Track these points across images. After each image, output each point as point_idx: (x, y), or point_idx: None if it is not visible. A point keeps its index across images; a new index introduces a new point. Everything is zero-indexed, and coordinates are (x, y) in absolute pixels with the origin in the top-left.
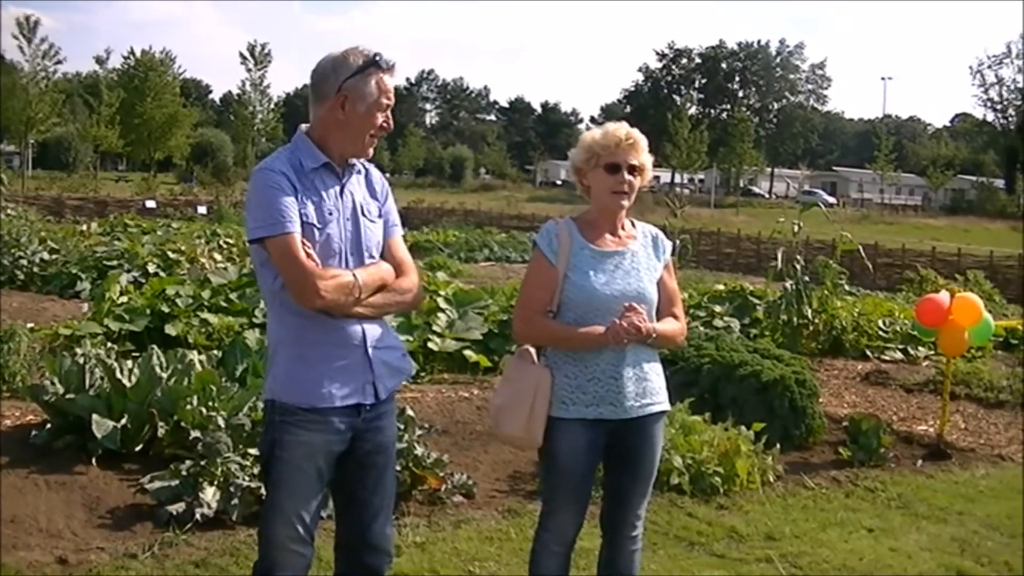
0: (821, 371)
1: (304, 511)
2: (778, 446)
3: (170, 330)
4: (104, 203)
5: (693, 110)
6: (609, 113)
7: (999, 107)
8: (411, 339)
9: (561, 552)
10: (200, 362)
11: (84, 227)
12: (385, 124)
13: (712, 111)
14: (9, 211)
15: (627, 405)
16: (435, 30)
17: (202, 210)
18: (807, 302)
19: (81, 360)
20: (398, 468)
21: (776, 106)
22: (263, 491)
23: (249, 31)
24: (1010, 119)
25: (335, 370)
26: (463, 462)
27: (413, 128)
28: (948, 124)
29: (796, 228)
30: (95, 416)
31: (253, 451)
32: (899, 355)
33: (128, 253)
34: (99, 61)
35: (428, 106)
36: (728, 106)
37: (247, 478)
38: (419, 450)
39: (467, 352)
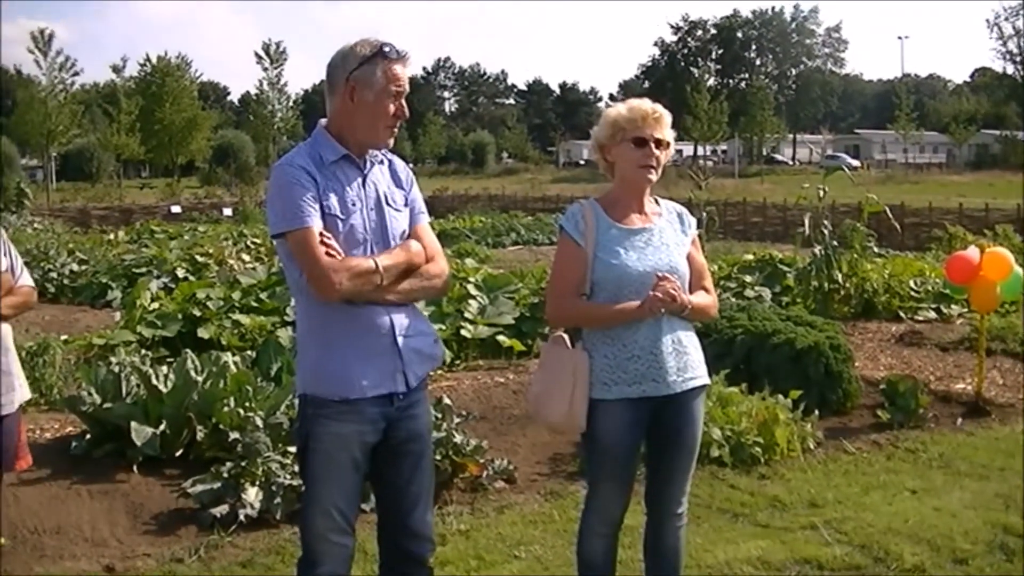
0: (855, 335)
1: (342, 502)
2: (816, 413)
3: (203, 333)
4: (129, 211)
5: (711, 81)
6: (627, 89)
7: (1018, 59)
8: (443, 327)
9: (607, 533)
10: (234, 363)
11: (111, 236)
12: (398, 112)
13: (730, 81)
14: (36, 225)
15: (669, 380)
16: (449, 17)
17: (227, 212)
18: (837, 267)
19: (116, 368)
20: (438, 457)
21: (794, 72)
22: (303, 488)
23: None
24: None
25: (364, 360)
26: (502, 447)
27: (433, 116)
28: (968, 79)
29: (821, 193)
30: (133, 423)
31: (292, 449)
32: (932, 314)
33: (156, 259)
34: (116, 70)
35: (446, 94)
36: (746, 75)
37: (288, 476)
38: (458, 438)
39: (500, 337)
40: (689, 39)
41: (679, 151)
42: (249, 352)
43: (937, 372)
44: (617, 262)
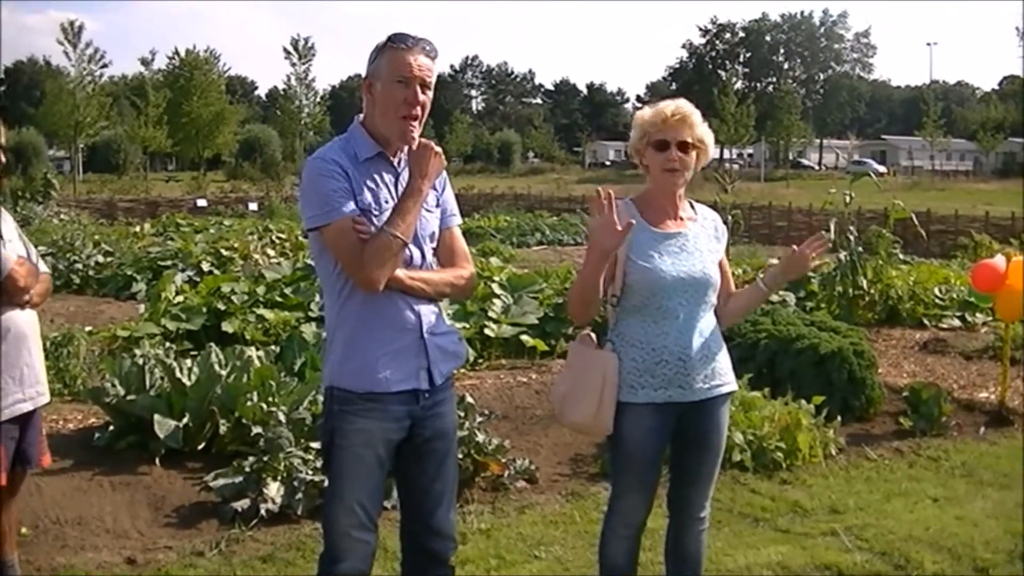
0: (879, 341)
1: (365, 499)
2: (838, 419)
3: (227, 327)
4: (155, 203)
5: (739, 84)
6: (655, 91)
7: None
8: (467, 326)
9: (629, 535)
10: (258, 358)
11: (137, 228)
12: (409, 99)
13: (758, 84)
14: (62, 216)
15: (696, 387)
16: (477, 16)
17: (253, 206)
18: (862, 272)
19: (140, 361)
20: (460, 455)
21: (822, 77)
22: (326, 484)
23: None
24: None
25: (390, 354)
26: (524, 447)
27: (460, 115)
28: (996, 87)
29: (847, 199)
30: (156, 416)
31: (315, 445)
32: (957, 322)
33: (182, 252)
34: (144, 63)
35: (474, 92)
36: (774, 79)
37: (310, 472)
38: (480, 437)
39: (524, 337)
40: (717, 41)
41: None
42: (273, 347)
43: (961, 380)
44: (651, 266)
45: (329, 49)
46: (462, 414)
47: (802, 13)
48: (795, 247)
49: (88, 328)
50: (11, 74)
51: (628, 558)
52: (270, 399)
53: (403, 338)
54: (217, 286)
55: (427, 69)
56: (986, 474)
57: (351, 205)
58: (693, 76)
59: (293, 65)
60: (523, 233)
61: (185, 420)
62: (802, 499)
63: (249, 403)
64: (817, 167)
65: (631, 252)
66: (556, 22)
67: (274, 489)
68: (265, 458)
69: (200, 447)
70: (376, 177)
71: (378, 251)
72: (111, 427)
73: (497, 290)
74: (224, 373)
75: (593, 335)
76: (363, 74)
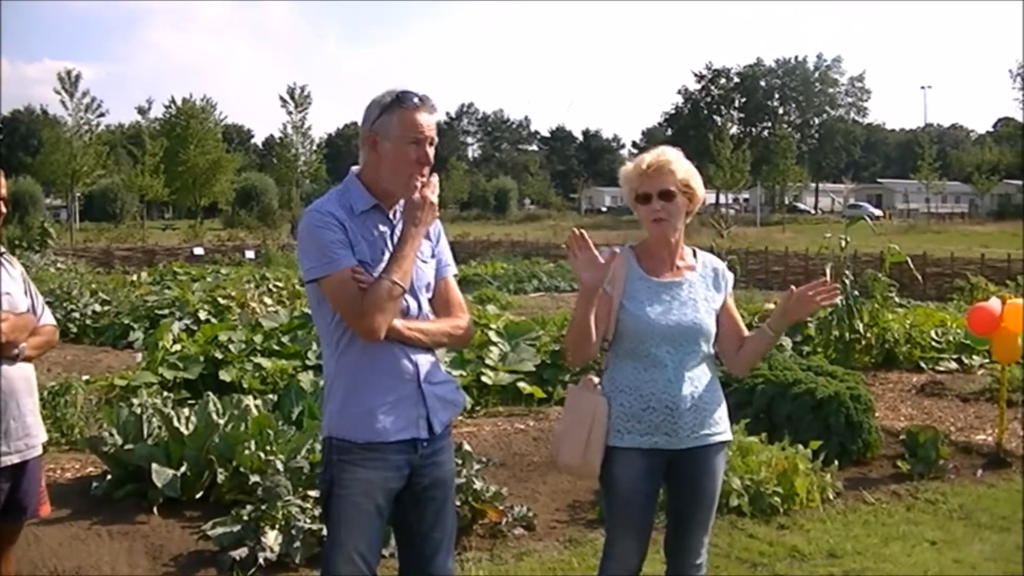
0: (876, 385)
1: (365, 548)
2: (836, 463)
3: (224, 376)
4: (152, 252)
5: (734, 129)
6: (651, 137)
7: None
8: (464, 373)
9: None
10: (256, 407)
11: (134, 277)
12: (421, 159)
13: (753, 129)
14: (59, 264)
15: (683, 435)
16: (472, 63)
17: (250, 254)
18: (858, 316)
19: (138, 410)
20: (458, 503)
21: (817, 121)
22: (324, 532)
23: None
24: None
25: (389, 404)
26: (522, 494)
27: (456, 161)
28: (991, 129)
29: (843, 243)
30: (154, 465)
31: (313, 493)
32: (954, 365)
33: (179, 301)
34: (141, 111)
35: (470, 139)
36: (769, 123)
37: (308, 520)
38: (478, 484)
39: (521, 384)
40: (712, 87)
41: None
42: (270, 396)
43: (958, 423)
44: (640, 314)
45: (325, 97)
46: (460, 461)
47: (796, 58)
48: (793, 288)
49: (86, 377)
50: (8, 123)
51: None
52: (268, 448)
53: (401, 388)
54: (214, 335)
55: (434, 127)
56: (984, 517)
57: (349, 257)
58: (689, 121)
59: (289, 113)
60: (520, 280)
61: (183, 469)
62: (800, 544)
63: (247, 452)
64: (813, 211)
65: (625, 298)
66: (551, 69)
67: (272, 537)
68: (263, 507)
69: (198, 496)
70: (373, 230)
71: (378, 298)
72: (109, 476)
73: (494, 337)
74: (222, 422)
75: (596, 379)
76: (360, 124)
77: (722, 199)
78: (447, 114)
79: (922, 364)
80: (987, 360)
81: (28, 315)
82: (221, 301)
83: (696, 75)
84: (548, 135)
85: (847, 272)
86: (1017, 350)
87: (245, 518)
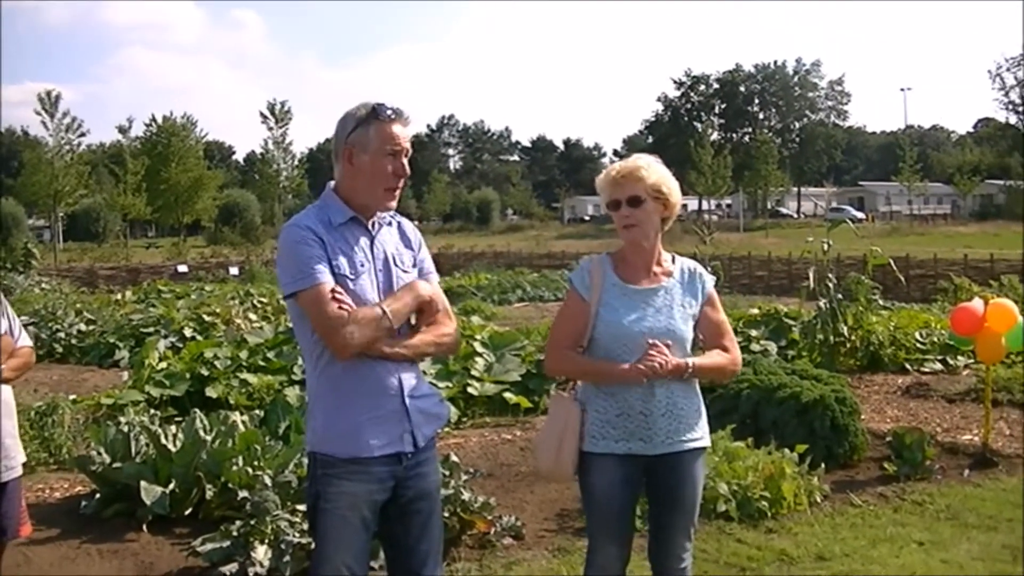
0: (861, 388)
1: (352, 561)
2: (823, 466)
3: (211, 392)
4: (136, 271)
5: (715, 136)
6: (631, 145)
7: (1021, 109)
8: (450, 385)
9: None
10: (243, 422)
11: (118, 296)
12: (397, 171)
13: (734, 135)
14: (43, 285)
15: (657, 441)
16: (452, 75)
17: (234, 271)
18: (842, 319)
19: (125, 428)
20: (446, 514)
21: (797, 125)
22: (313, 546)
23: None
24: None
25: (373, 420)
26: (510, 504)
27: (437, 174)
28: (971, 130)
29: (826, 246)
30: (143, 483)
31: (301, 507)
32: (938, 366)
33: (164, 319)
34: (122, 130)
35: (451, 151)
36: (749, 129)
37: (297, 535)
38: (466, 495)
39: (507, 394)
40: (692, 94)
41: (684, 205)
42: (257, 411)
43: (944, 424)
44: (614, 320)
45: (306, 113)
46: (447, 473)
47: (775, 63)
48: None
49: (72, 397)
50: None
51: None
52: (256, 463)
53: (385, 404)
54: (200, 352)
55: (409, 139)
56: (971, 517)
57: (326, 272)
58: (669, 129)
59: (270, 129)
60: (504, 291)
61: (171, 486)
62: (788, 548)
63: (235, 467)
64: (796, 216)
65: (600, 305)
66: (531, 79)
67: (262, 552)
68: (252, 522)
69: (187, 513)
70: (351, 241)
71: (363, 316)
72: (97, 495)
73: (479, 348)
74: (209, 438)
75: (574, 385)
76: (334, 137)
77: (704, 205)
78: (428, 126)
79: (907, 366)
80: (972, 360)
81: (6, 337)
82: (206, 318)
83: (676, 82)
84: (529, 145)
85: (830, 276)
86: (1001, 350)
87: (234, 534)
